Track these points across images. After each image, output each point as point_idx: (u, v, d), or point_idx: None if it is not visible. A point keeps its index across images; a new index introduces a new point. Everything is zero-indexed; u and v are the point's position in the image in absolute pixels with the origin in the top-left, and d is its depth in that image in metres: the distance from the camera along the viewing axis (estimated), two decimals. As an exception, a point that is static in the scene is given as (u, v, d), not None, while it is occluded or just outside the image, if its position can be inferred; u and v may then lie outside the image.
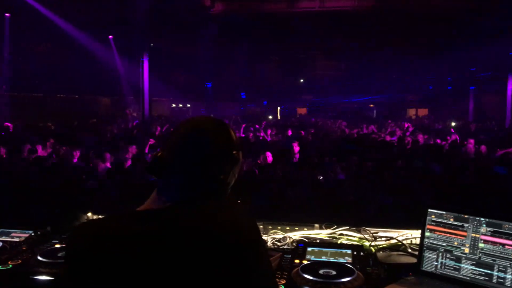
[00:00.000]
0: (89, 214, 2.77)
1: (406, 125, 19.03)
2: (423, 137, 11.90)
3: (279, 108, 32.31)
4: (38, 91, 20.81)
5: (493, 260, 1.99)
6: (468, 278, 2.03)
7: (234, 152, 1.42)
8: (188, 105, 33.18)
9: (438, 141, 11.30)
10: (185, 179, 1.35)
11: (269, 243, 2.51)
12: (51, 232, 2.52)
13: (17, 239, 2.41)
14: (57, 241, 2.41)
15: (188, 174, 1.35)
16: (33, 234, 2.44)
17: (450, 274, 2.08)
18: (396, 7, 17.05)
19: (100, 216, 2.78)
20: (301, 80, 33.02)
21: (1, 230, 2.51)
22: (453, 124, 20.48)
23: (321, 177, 6.02)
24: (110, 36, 19.42)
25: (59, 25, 16.37)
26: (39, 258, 2.11)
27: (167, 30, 18.92)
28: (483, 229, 2.05)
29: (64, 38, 17.18)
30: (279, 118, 29.59)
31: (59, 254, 2.14)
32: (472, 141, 9.90)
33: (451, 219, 2.15)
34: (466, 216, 2.11)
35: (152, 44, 18.20)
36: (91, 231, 1.24)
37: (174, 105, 32.47)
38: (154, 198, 1.37)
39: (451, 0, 16.08)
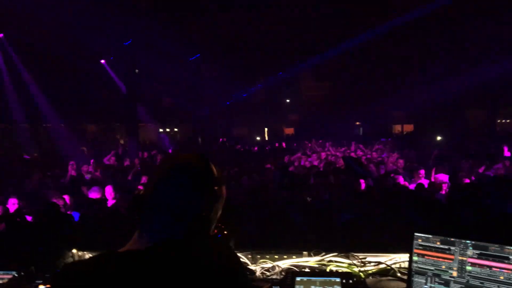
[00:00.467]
0: (74, 251, 2.73)
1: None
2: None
3: (266, 129, 32.45)
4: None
5: (481, 283, 1.99)
6: (457, 302, 2.02)
7: (216, 188, 1.41)
8: (176, 129, 33.17)
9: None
10: (167, 218, 1.34)
11: (258, 273, 2.49)
12: (34, 271, 2.46)
13: (0, 281, 2.36)
14: (41, 281, 2.36)
15: (169, 213, 1.34)
16: (16, 275, 2.39)
17: (440, 298, 2.08)
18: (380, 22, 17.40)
19: (84, 253, 2.74)
20: (287, 100, 33.27)
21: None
22: (438, 138, 20.71)
23: (309, 199, 6.03)
24: (102, 61, 19.39)
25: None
26: None
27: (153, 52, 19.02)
28: (469, 251, 2.06)
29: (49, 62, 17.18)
30: (266, 138, 29.68)
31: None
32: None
33: (438, 243, 2.15)
34: (452, 239, 2.12)
35: (136, 68, 18.27)
36: (72, 275, 1.22)
37: (161, 130, 32.42)
38: (136, 238, 1.35)
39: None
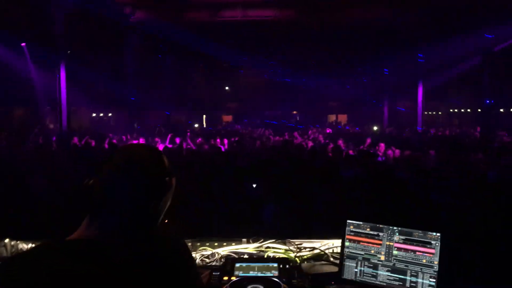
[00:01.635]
0: (6, 241, 2.63)
1: (328, 131, 19.85)
2: (343, 143, 12.47)
3: (204, 116, 32.30)
4: None
5: (406, 266, 2.16)
6: (384, 284, 2.19)
7: (167, 178, 1.44)
8: (110, 114, 32.14)
9: (361, 147, 11.90)
10: (117, 207, 1.36)
11: (198, 260, 2.53)
12: None
13: None
14: None
15: (120, 203, 1.36)
16: None
17: (368, 281, 2.23)
18: (315, 17, 17.74)
19: (19, 243, 2.65)
20: (226, 88, 33.26)
21: None
22: (375, 128, 21.64)
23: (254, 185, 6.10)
24: (22, 44, 18.34)
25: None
26: None
27: (87, 37, 18.25)
28: (396, 237, 2.23)
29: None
30: (204, 126, 29.57)
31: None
32: (382, 145, 10.53)
33: (368, 229, 2.30)
34: (381, 226, 2.28)
35: (69, 52, 17.44)
36: (21, 269, 1.21)
37: (94, 115, 31.28)
38: (86, 225, 1.36)
39: (367, 10, 16.99)
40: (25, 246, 2.65)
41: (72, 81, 16.28)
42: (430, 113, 31.41)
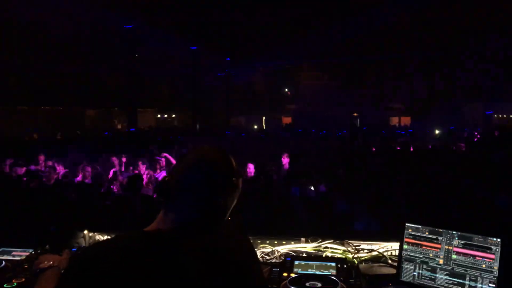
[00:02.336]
0: (85, 232, 2.89)
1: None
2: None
3: (264, 117, 32.56)
4: (23, 104, 20.70)
5: (465, 270, 2.17)
6: (442, 287, 2.20)
7: (234, 179, 1.57)
8: (173, 115, 33.23)
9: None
10: (189, 203, 1.50)
11: (258, 257, 2.65)
12: (49, 250, 2.62)
13: (18, 258, 2.51)
14: None
15: (192, 198, 1.50)
16: (33, 252, 2.55)
17: (426, 284, 2.25)
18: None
19: (96, 234, 2.90)
20: (286, 90, 33.35)
21: (2, 249, 2.62)
22: (436, 132, 20.92)
23: (312, 188, 6.19)
24: None
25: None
26: None
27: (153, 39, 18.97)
28: (455, 241, 2.23)
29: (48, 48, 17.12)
30: (264, 127, 29.82)
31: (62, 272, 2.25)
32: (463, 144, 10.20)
33: (427, 233, 2.32)
34: (440, 230, 2.29)
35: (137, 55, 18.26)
36: (102, 256, 1.34)
37: (159, 116, 32.48)
38: (161, 218, 1.52)
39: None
40: (101, 238, 2.89)
41: (139, 83, 17.03)
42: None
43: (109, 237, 2.77)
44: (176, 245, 1.40)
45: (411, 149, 12.63)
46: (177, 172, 1.54)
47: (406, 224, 2.39)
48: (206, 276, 1.38)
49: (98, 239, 2.88)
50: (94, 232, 2.92)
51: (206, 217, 1.52)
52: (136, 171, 8.76)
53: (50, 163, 9.65)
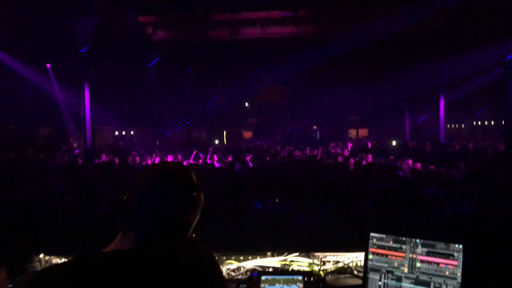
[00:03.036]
0: (41, 256, 2.74)
1: (350, 146, 19.79)
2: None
3: (225, 132, 32.53)
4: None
5: (429, 278, 2.19)
6: (408, 296, 2.22)
7: (195, 194, 1.53)
8: (132, 132, 32.65)
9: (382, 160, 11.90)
10: (150, 220, 1.45)
11: (224, 274, 2.60)
12: (5, 273, 2.47)
13: None
14: (11, 285, 2.38)
15: (152, 216, 1.45)
16: None
17: (393, 293, 2.26)
18: (335, 34, 17.85)
19: (53, 258, 2.76)
20: (246, 104, 33.50)
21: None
22: (393, 143, 21.50)
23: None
24: (47, 65, 18.89)
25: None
26: None
27: (109, 57, 18.69)
28: (419, 249, 2.26)
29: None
30: (225, 142, 29.77)
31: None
32: (409, 161, 10.46)
33: (391, 242, 2.34)
34: (403, 238, 2.31)
35: (92, 71, 17.89)
36: (61, 278, 1.26)
37: (117, 133, 31.82)
38: (120, 239, 1.46)
39: (387, 26, 17.01)
40: (58, 261, 2.75)
41: (95, 99, 16.64)
42: (452, 126, 31.04)
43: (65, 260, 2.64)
44: (134, 265, 1.33)
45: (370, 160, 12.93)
46: (136, 189, 1.49)
47: (371, 233, 2.41)
48: None
49: (54, 263, 2.74)
50: (50, 255, 2.78)
51: (168, 234, 1.46)
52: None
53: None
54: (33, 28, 13.97)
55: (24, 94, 18.49)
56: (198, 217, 1.58)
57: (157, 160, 13.99)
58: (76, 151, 18.45)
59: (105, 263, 1.32)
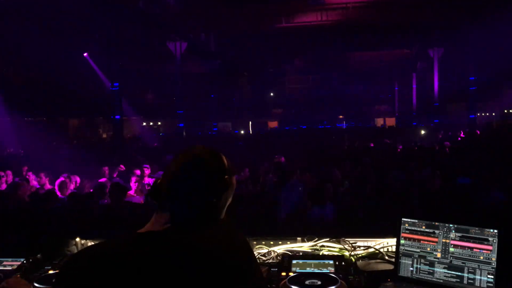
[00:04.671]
0: (77, 239, 2.83)
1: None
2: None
3: (250, 122, 32.59)
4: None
5: (463, 262, 2.17)
6: (441, 281, 2.20)
7: (226, 177, 1.56)
8: (159, 123, 33.07)
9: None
10: (182, 203, 1.48)
11: (255, 256, 2.63)
12: (41, 259, 2.57)
13: (9, 268, 2.45)
14: (50, 267, 2.46)
15: (184, 199, 1.48)
16: (25, 261, 2.49)
17: (425, 278, 2.25)
18: (362, 21, 17.63)
19: (88, 241, 2.85)
20: (271, 94, 33.45)
21: (-7, 259, 2.55)
22: (422, 132, 21.15)
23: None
24: (85, 54, 19.08)
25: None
26: (36, 284, 2.17)
27: (135, 50, 18.93)
28: (452, 234, 2.24)
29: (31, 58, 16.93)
30: (250, 132, 29.83)
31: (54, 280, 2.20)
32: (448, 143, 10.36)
33: (423, 227, 2.32)
34: (436, 223, 2.29)
35: (121, 64, 18.13)
36: (98, 255, 1.32)
37: (144, 124, 32.27)
38: (154, 220, 1.49)
39: (416, 11, 16.70)
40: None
41: (123, 91, 16.88)
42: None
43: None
44: (168, 245, 1.37)
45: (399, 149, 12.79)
46: (169, 173, 1.53)
47: (403, 219, 2.39)
48: (199, 276, 1.34)
49: (90, 246, 2.82)
50: (86, 239, 2.86)
51: (201, 216, 1.50)
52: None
53: (30, 173, 9.52)
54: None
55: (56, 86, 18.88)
56: (230, 199, 1.61)
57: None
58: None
59: (139, 243, 1.37)
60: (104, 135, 27.22)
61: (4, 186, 8.34)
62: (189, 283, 1.33)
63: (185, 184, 1.49)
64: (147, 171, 9.45)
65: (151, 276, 1.29)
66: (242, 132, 28.95)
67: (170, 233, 1.42)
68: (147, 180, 8.85)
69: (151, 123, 32.54)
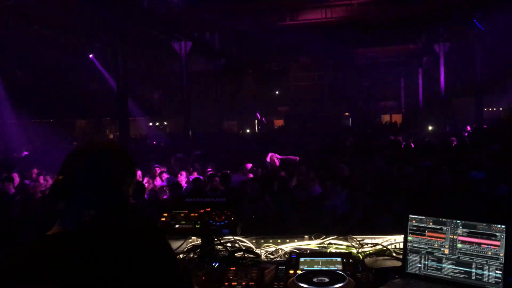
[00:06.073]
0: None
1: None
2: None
3: (256, 120, 32.57)
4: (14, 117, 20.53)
5: (470, 258, 2.17)
6: (449, 277, 2.20)
7: (127, 169, 1.58)
8: (165, 123, 33.14)
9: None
10: (88, 198, 1.48)
11: (262, 256, 2.64)
12: None
13: None
14: None
15: (90, 193, 1.48)
16: None
17: (433, 274, 2.25)
18: (367, 17, 17.58)
19: None
20: (277, 92, 33.41)
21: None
22: (429, 128, 21.05)
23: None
24: (91, 55, 19.17)
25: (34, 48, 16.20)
26: None
27: (141, 48, 19.00)
28: (460, 230, 2.23)
29: (38, 60, 17.04)
30: (257, 131, 29.83)
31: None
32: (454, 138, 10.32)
33: (430, 223, 2.32)
34: (443, 220, 2.29)
35: (126, 63, 18.17)
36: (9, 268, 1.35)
37: (151, 124, 32.37)
38: (61, 219, 1.48)
39: (422, 5, 16.59)
40: None
41: (129, 92, 16.92)
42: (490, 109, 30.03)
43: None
44: (81, 245, 1.38)
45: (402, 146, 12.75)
46: (71, 169, 1.51)
47: (410, 215, 2.39)
48: (105, 275, 1.34)
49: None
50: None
51: (107, 210, 1.50)
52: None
53: (41, 176, 9.60)
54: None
55: (61, 86, 18.97)
56: (132, 188, 1.60)
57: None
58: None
59: (47, 246, 1.38)
60: (111, 136, 27.32)
61: (12, 190, 8.41)
62: (100, 280, 1.34)
63: (88, 178, 1.48)
64: (158, 171, 9.49)
65: (63, 277, 1.30)
66: (248, 131, 28.98)
67: (77, 233, 1.42)
68: (159, 179, 8.91)
69: (157, 123, 32.62)
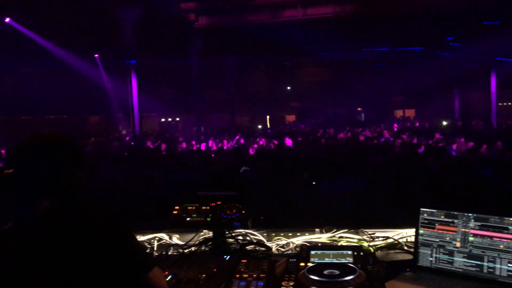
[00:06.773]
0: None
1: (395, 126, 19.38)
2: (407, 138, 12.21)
3: (268, 116, 32.53)
4: (26, 114, 20.79)
5: (482, 251, 2.16)
6: (461, 270, 2.19)
7: (75, 158, 1.59)
8: (178, 119, 33.26)
9: (430, 142, 11.62)
10: (36, 189, 1.49)
11: (274, 249, 2.65)
12: None
13: None
14: None
15: (39, 185, 1.49)
16: None
17: (444, 267, 2.24)
18: (378, 11, 17.38)
19: None
20: (288, 88, 33.31)
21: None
22: (444, 123, 20.84)
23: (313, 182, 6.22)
24: (96, 55, 19.37)
25: (43, 46, 16.30)
26: None
27: (153, 45, 19.02)
28: (471, 223, 2.22)
29: (49, 58, 17.15)
30: (268, 126, 29.81)
31: None
32: (462, 139, 10.16)
33: (442, 216, 2.31)
34: (455, 213, 2.28)
35: (138, 60, 18.26)
36: None
37: (163, 120, 32.52)
38: (14, 212, 1.51)
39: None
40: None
41: (142, 88, 17.02)
42: (505, 104, 29.62)
43: None
44: (40, 237, 1.41)
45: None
46: (17, 162, 1.52)
47: (421, 208, 2.39)
48: (61, 265, 1.39)
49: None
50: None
51: (58, 200, 1.50)
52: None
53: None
54: (79, 19, 14.39)
55: (74, 84, 19.14)
56: (80, 174, 1.60)
57: (202, 145, 14.26)
58: (127, 138, 19.05)
59: (9, 240, 1.42)
60: (124, 132, 27.49)
61: None
62: (56, 270, 1.38)
63: (39, 168, 1.49)
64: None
65: (21, 270, 1.36)
66: (260, 126, 28.97)
67: (40, 223, 1.45)
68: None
69: (169, 119, 32.76)
